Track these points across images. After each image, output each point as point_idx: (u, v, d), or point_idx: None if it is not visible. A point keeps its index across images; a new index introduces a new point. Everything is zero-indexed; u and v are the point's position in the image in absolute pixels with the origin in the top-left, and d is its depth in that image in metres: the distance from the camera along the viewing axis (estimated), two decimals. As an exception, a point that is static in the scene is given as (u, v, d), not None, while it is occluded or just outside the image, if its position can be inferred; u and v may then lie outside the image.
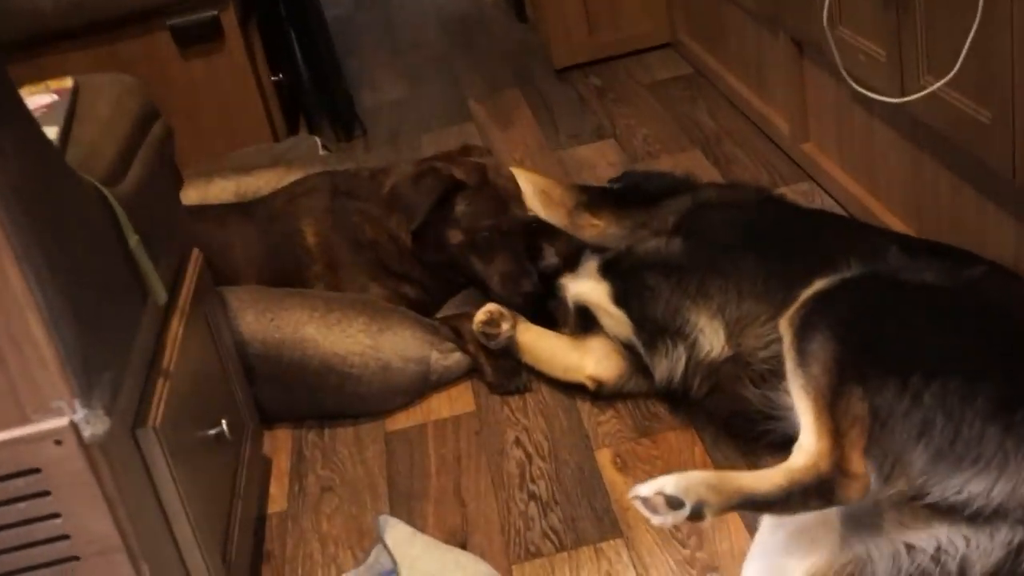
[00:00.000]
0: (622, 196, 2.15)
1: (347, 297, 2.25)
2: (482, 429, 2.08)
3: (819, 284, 1.65)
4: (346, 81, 3.75)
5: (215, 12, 3.03)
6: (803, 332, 1.55)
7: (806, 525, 1.49)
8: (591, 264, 2.08)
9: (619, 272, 2.00)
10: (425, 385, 2.20)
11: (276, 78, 3.35)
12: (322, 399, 2.16)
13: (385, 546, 1.72)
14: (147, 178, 1.64)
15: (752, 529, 1.65)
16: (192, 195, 2.60)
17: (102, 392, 1.31)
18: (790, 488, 1.43)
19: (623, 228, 2.05)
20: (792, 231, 1.92)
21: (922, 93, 1.89)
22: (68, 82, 1.74)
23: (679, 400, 1.95)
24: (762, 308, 1.76)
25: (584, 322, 2.08)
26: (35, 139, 1.33)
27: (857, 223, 2.22)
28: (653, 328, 1.90)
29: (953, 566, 1.43)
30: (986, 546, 1.42)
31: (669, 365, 1.89)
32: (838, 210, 2.50)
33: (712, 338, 1.82)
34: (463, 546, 1.78)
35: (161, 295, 1.52)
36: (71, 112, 1.65)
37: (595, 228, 2.09)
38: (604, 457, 1.93)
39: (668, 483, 1.40)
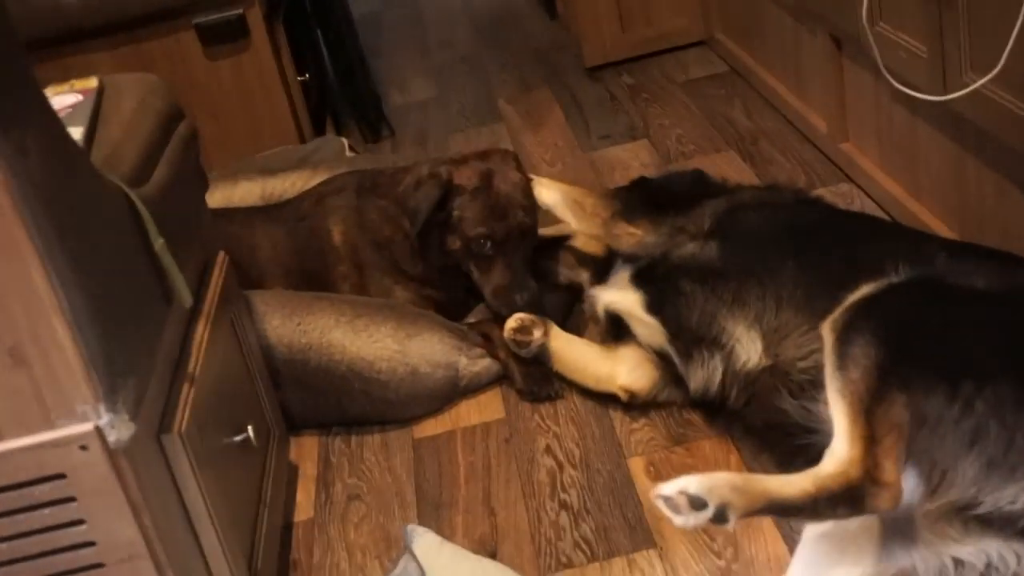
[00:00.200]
0: (657, 201, 2.13)
1: (375, 302, 2.26)
2: (512, 436, 2.08)
3: (866, 288, 1.63)
4: (373, 81, 3.76)
5: (241, 10, 3.04)
6: (845, 335, 1.54)
7: (850, 536, 1.48)
8: (623, 274, 2.06)
9: (652, 279, 1.99)
10: (454, 391, 2.20)
11: (303, 78, 3.36)
12: (349, 405, 2.17)
13: (413, 556, 1.72)
14: (172, 179, 1.66)
15: (789, 539, 1.64)
16: (217, 197, 2.62)
17: (127, 396, 1.32)
18: (817, 495, 1.42)
19: (660, 235, 2.02)
20: (834, 235, 1.90)
21: (965, 90, 1.88)
22: (93, 82, 1.76)
23: (715, 410, 1.94)
24: (802, 317, 1.73)
25: (616, 331, 2.08)
26: (59, 139, 1.34)
27: (903, 227, 2.20)
28: (688, 337, 1.89)
29: None
30: None
31: (705, 375, 1.88)
32: (878, 212, 2.49)
33: (749, 348, 1.81)
34: (492, 556, 1.78)
35: (187, 298, 1.53)
36: (96, 112, 1.67)
37: (633, 237, 2.06)
38: (637, 465, 1.92)
39: (692, 483, 1.39)
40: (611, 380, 2.05)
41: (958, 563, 1.44)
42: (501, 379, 2.23)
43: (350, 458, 2.11)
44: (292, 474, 2.08)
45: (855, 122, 2.65)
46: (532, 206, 2.22)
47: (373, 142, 3.60)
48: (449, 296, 2.33)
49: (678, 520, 1.39)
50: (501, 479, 1.97)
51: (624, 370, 2.04)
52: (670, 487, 1.39)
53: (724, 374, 1.85)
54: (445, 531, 1.85)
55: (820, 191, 2.63)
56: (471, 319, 2.31)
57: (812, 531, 1.53)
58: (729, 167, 2.87)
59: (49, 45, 2.90)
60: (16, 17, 1.31)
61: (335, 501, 2.01)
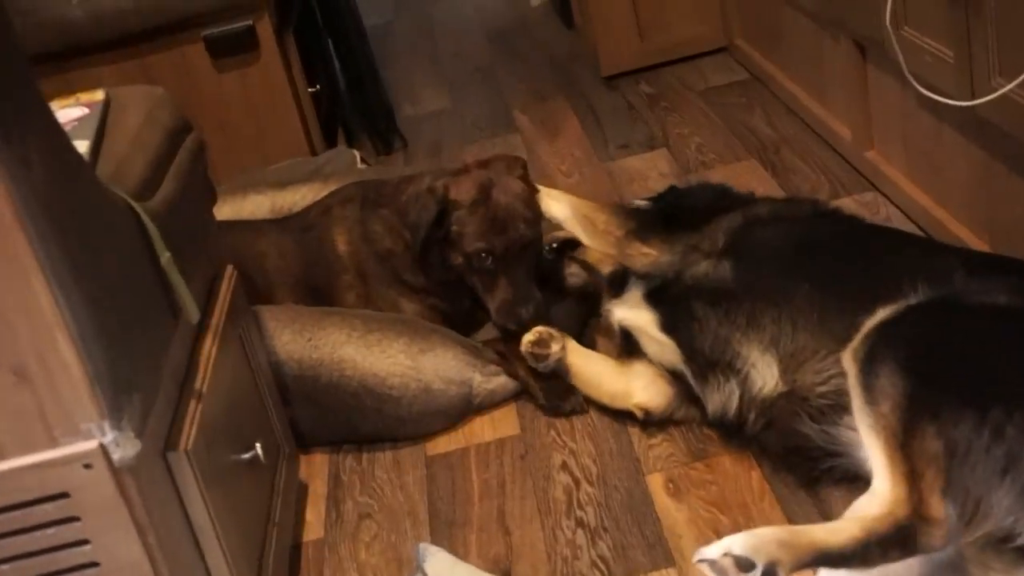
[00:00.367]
0: (671, 217, 2.11)
1: (387, 317, 2.27)
2: (527, 453, 2.08)
3: (883, 312, 1.61)
4: (386, 92, 3.78)
5: (250, 22, 3.06)
6: (869, 367, 1.52)
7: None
8: (636, 291, 2.06)
9: (666, 300, 1.98)
10: (467, 408, 2.20)
11: (313, 89, 3.38)
12: (360, 422, 2.18)
13: (426, 576, 1.72)
14: (179, 193, 1.67)
15: (814, 559, 1.63)
16: (226, 211, 2.64)
17: (132, 414, 1.33)
18: (867, 540, 1.40)
19: (674, 254, 2.01)
20: (850, 252, 1.88)
21: (993, 95, 1.87)
22: (99, 95, 1.78)
23: (733, 434, 1.93)
24: (821, 342, 1.72)
25: (630, 346, 2.07)
26: (64, 151, 1.36)
27: (921, 240, 2.19)
28: (702, 361, 1.88)
29: None
30: None
31: (722, 399, 1.87)
32: (904, 221, 2.48)
33: (765, 373, 1.79)
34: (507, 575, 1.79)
35: (194, 313, 1.54)
36: (102, 125, 1.68)
37: (647, 257, 2.05)
38: (656, 482, 1.92)
39: (736, 543, 1.37)
40: (626, 397, 2.05)
41: None
42: (516, 395, 2.23)
43: (361, 476, 2.12)
44: (301, 492, 2.08)
45: (880, 129, 2.65)
46: (535, 217, 2.21)
47: (385, 154, 3.62)
48: (455, 307, 2.33)
49: None
50: (516, 496, 1.97)
51: (639, 386, 2.03)
52: (714, 550, 1.37)
53: (741, 399, 1.84)
54: (458, 550, 1.85)
55: (844, 200, 2.63)
56: (482, 336, 2.31)
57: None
58: (750, 176, 2.87)
59: (55, 60, 2.92)
60: (21, 31, 1.32)
61: (346, 520, 2.01)
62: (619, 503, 1.89)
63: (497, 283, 2.18)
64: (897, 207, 2.55)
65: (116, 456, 1.30)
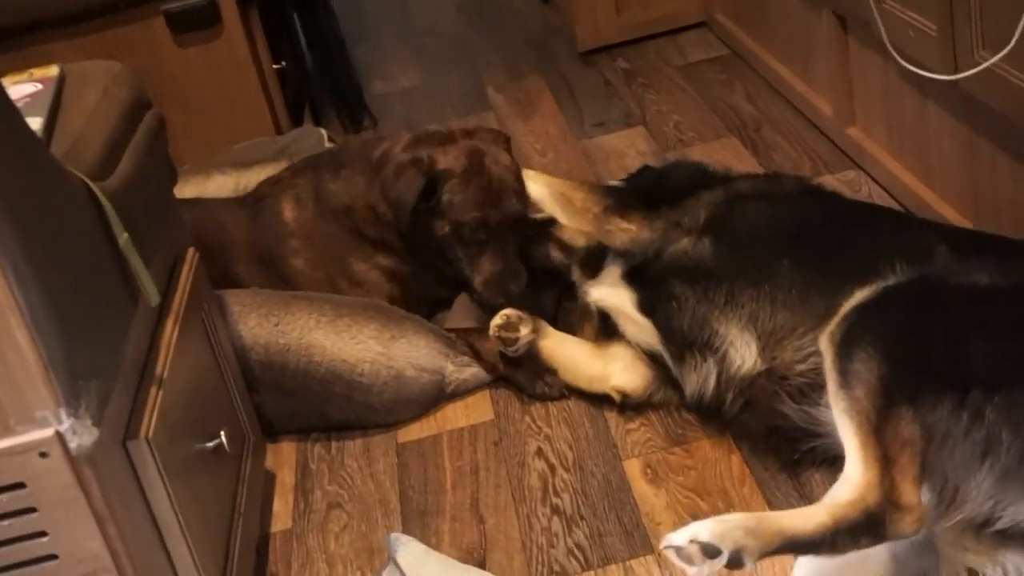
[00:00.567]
0: (650, 194, 2.12)
1: (358, 302, 2.27)
2: (501, 439, 2.08)
3: (861, 294, 1.63)
4: (354, 68, 3.76)
5: (213, -5, 3.05)
6: (845, 350, 1.53)
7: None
8: (614, 270, 2.06)
9: (644, 278, 1.98)
10: (440, 397, 2.21)
11: (279, 66, 3.36)
12: (329, 409, 2.17)
13: (397, 566, 1.72)
14: (138, 172, 1.65)
15: (794, 545, 1.64)
16: (188, 192, 2.64)
17: (90, 401, 1.32)
18: (836, 527, 1.41)
19: (655, 231, 2.01)
20: (831, 229, 1.89)
21: (976, 69, 1.88)
22: (53, 70, 1.76)
23: (711, 416, 1.94)
24: (799, 319, 1.73)
25: (607, 328, 2.08)
26: (16, 130, 1.34)
27: (903, 217, 2.20)
28: (680, 340, 1.89)
29: None
30: None
31: (699, 380, 1.88)
32: (887, 199, 2.49)
33: (743, 351, 1.80)
34: (481, 565, 1.79)
35: (153, 296, 1.53)
36: (56, 102, 1.66)
37: (626, 233, 2.05)
38: (633, 468, 1.92)
39: (702, 529, 1.39)
40: (604, 380, 2.05)
41: (972, 573, 1.43)
42: (490, 383, 2.23)
43: (330, 464, 2.11)
44: (268, 482, 2.08)
45: (862, 105, 2.65)
46: (524, 191, 2.22)
47: (354, 132, 3.60)
48: (416, 272, 2.33)
49: (692, 571, 1.39)
50: (490, 484, 1.97)
51: (617, 369, 2.04)
52: (680, 536, 1.40)
53: (718, 379, 1.85)
54: (431, 540, 1.85)
55: (826, 178, 2.64)
56: (447, 320, 2.31)
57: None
58: (730, 155, 2.88)
59: (9, 35, 2.90)
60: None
61: (314, 510, 2.01)
62: (596, 489, 1.90)
63: (484, 256, 2.18)
64: (879, 185, 2.56)
65: (73, 444, 1.29)
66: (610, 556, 1.75)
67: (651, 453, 1.95)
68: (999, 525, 1.41)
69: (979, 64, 1.88)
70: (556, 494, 1.91)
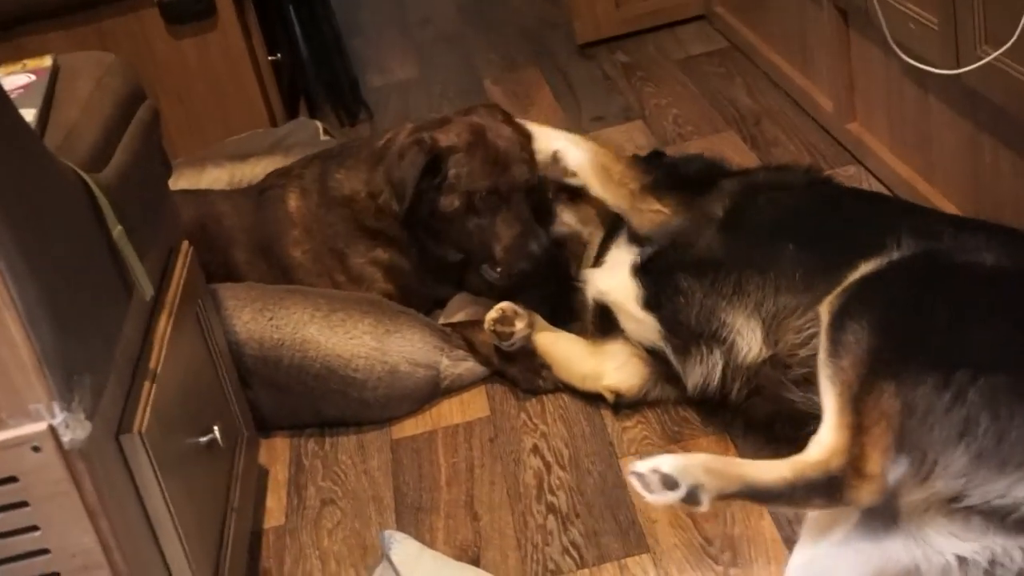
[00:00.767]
0: (689, 179, 2.08)
1: (352, 296, 2.28)
2: (497, 436, 2.09)
3: (865, 267, 1.65)
4: (350, 61, 3.76)
5: (207, -14, 3.05)
6: (840, 320, 1.56)
7: (850, 537, 1.50)
8: (623, 261, 2.04)
9: (652, 274, 1.98)
10: (435, 392, 2.21)
11: (274, 57, 3.36)
12: (323, 405, 2.18)
13: (391, 563, 1.73)
14: (132, 164, 1.66)
15: (790, 543, 1.66)
16: (183, 184, 2.64)
17: (83, 395, 1.32)
18: (795, 482, 1.47)
19: (686, 219, 1.98)
20: (839, 214, 1.91)
21: (978, 63, 1.89)
22: (47, 61, 1.76)
23: (715, 406, 1.95)
24: (800, 299, 1.75)
25: (604, 323, 2.08)
26: (9, 121, 1.35)
27: (912, 204, 2.20)
28: (686, 334, 1.90)
29: None
30: None
31: (704, 372, 1.89)
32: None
33: (749, 338, 1.82)
34: (476, 563, 1.79)
35: (147, 290, 1.53)
36: (50, 93, 1.67)
37: (658, 216, 2.01)
38: (629, 466, 1.93)
39: (666, 462, 1.47)
40: (597, 379, 2.06)
41: (962, 561, 1.46)
42: (487, 377, 2.23)
43: (324, 460, 2.12)
44: (262, 478, 2.09)
45: (863, 100, 2.66)
46: (532, 160, 2.20)
47: (350, 125, 3.61)
48: (414, 266, 2.33)
49: (649, 498, 1.47)
50: (485, 481, 1.98)
51: (611, 368, 2.05)
52: (644, 464, 1.48)
53: (724, 369, 1.86)
54: (425, 537, 1.86)
55: (826, 173, 2.64)
56: (442, 319, 2.32)
57: (809, 533, 1.54)
58: (730, 149, 2.88)
59: (3, 25, 2.90)
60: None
61: (308, 506, 2.01)
62: (592, 487, 1.90)
63: (500, 223, 2.17)
64: (880, 180, 2.57)
65: (66, 439, 1.30)
66: (605, 554, 1.76)
67: (647, 451, 1.96)
68: (967, 503, 1.44)
69: (981, 58, 1.89)
70: (551, 492, 1.92)
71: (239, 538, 1.78)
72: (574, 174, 2.16)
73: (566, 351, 2.13)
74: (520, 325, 2.10)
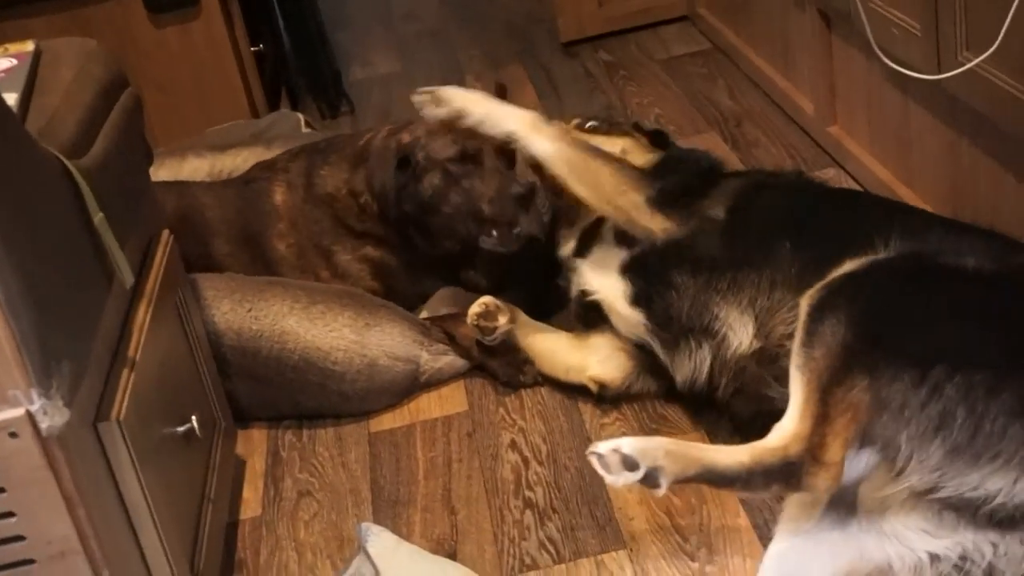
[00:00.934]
0: (695, 181, 2.01)
1: (332, 289, 2.27)
2: (475, 431, 2.09)
3: (850, 264, 1.66)
4: (333, 53, 3.75)
5: (190, -25, 3.04)
6: (819, 313, 1.58)
7: (823, 534, 1.51)
8: (612, 257, 2.02)
9: (642, 270, 1.97)
10: (414, 386, 2.21)
11: (256, 48, 3.35)
12: (302, 397, 2.18)
13: (367, 556, 1.73)
14: (114, 150, 1.65)
15: (766, 540, 1.66)
16: (164, 174, 2.63)
17: (61, 381, 1.32)
18: (752, 467, 1.49)
19: (689, 228, 1.92)
20: (832, 213, 1.92)
21: (960, 69, 1.90)
22: (28, 46, 1.75)
23: (701, 402, 1.96)
24: (791, 293, 1.76)
25: (588, 316, 2.08)
26: (-8, 105, 1.34)
27: (908, 206, 2.21)
28: (676, 329, 1.90)
29: (979, 575, 1.46)
30: (1015, 552, 1.45)
31: (693, 366, 1.90)
32: (867, 198, 2.51)
33: (741, 332, 1.83)
34: (452, 556, 1.79)
35: (128, 277, 1.53)
36: (31, 78, 1.66)
37: (665, 233, 1.93)
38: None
39: (626, 443, 1.50)
40: (581, 370, 2.07)
41: (934, 558, 1.48)
42: (466, 372, 2.23)
43: (301, 452, 2.12)
44: (239, 468, 2.08)
45: (844, 103, 2.67)
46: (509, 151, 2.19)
47: (331, 118, 3.60)
48: (401, 260, 2.33)
49: (608, 479, 1.50)
50: (462, 475, 1.98)
51: (595, 360, 2.05)
52: (605, 445, 1.50)
53: (712, 363, 1.87)
54: (402, 530, 1.86)
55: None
56: (424, 313, 2.32)
57: (784, 530, 1.56)
58: (711, 149, 2.87)
59: (-21, 12, 2.89)
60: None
61: (284, 497, 2.01)
62: (569, 483, 1.91)
63: (477, 185, 2.16)
64: (859, 184, 2.58)
65: (44, 425, 1.29)
66: (582, 550, 1.76)
67: (625, 447, 1.96)
68: (940, 495, 1.46)
69: (963, 65, 1.90)
70: (529, 487, 1.92)
71: (215, 528, 1.78)
72: (539, 167, 2.04)
73: (550, 344, 2.13)
74: (503, 320, 2.10)
